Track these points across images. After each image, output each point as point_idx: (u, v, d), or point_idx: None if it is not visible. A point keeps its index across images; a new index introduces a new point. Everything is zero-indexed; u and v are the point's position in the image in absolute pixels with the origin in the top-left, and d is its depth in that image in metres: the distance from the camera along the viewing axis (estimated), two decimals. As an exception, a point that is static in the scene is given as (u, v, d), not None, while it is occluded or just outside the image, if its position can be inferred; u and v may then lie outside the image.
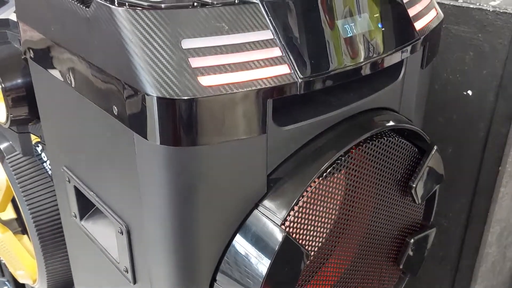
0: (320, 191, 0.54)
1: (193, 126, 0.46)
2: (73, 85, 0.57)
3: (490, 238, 0.96)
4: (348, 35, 0.53)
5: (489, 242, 0.97)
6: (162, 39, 0.45)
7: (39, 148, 0.87)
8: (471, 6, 0.81)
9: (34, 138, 0.86)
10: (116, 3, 0.46)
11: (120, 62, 0.47)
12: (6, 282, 1.22)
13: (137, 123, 0.48)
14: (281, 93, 0.48)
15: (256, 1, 0.48)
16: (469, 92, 0.84)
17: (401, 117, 0.63)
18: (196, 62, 0.45)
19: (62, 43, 0.56)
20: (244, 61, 0.47)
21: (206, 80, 0.45)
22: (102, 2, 0.47)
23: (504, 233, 0.99)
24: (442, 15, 0.68)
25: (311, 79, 0.49)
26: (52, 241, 0.90)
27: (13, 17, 0.78)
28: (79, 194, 0.68)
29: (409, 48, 0.58)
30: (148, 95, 0.45)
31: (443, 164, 0.68)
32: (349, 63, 0.52)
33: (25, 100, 0.77)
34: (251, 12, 0.48)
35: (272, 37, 0.48)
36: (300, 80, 0.48)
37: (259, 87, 0.47)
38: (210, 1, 0.47)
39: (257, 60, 0.47)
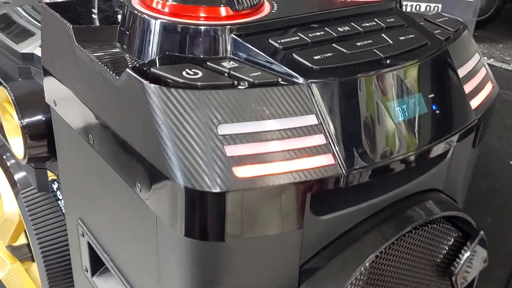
0: (360, 286, 0.49)
1: (222, 221, 0.41)
2: (94, 147, 0.52)
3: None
4: (400, 120, 0.48)
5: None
6: (196, 123, 0.40)
7: (55, 186, 0.83)
8: (524, 68, 0.76)
9: (50, 175, 0.83)
10: (149, 78, 0.42)
11: (148, 141, 0.42)
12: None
13: (162, 208, 0.43)
14: (323, 186, 0.43)
15: (301, 82, 0.44)
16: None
17: (448, 201, 0.58)
18: (232, 150, 0.40)
19: (87, 103, 0.51)
20: (285, 149, 0.42)
21: (241, 171, 0.40)
22: (134, 75, 0.42)
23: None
24: (497, 87, 0.62)
25: (357, 171, 0.44)
26: (60, 279, 0.87)
27: (38, 51, 0.75)
28: (92, 250, 0.64)
29: (464, 130, 0.53)
30: (176, 183, 0.40)
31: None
32: (400, 153, 0.47)
33: (44, 139, 0.73)
34: (295, 94, 0.43)
35: (317, 122, 0.43)
36: (345, 173, 0.43)
37: (299, 179, 0.42)
38: (251, 80, 0.43)
39: (299, 149, 0.42)
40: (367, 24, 0.53)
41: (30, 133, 0.72)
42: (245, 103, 0.42)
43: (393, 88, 0.48)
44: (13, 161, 0.87)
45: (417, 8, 0.87)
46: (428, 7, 0.85)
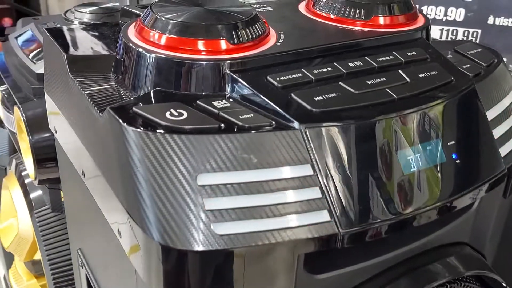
0: None
1: (201, 283, 0.37)
2: (84, 180, 0.50)
3: None
4: (411, 171, 0.42)
5: None
6: (174, 171, 0.37)
7: (67, 207, 0.82)
8: None
9: (63, 196, 0.81)
10: (129, 118, 0.39)
11: (125, 187, 0.39)
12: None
13: (138, 262, 0.40)
14: (316, 246, 0.38)
15: (296, 127, 0.39)
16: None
17: (474, 257, 0.51)
18: (211, 203, 0.36)
19: (79, 136, 0.49)
20: (273, 203, 0.37)
21: (222, 228, 0.36)
22: (113, 115, 0.39)
23: None
24: (534, 129, 0.55)
25: (356, 231, 0.39)
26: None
27: (52, 72, 0.73)
28: (89, 283, 0.61)
29: (491, 181, 0.47)
30: (151, 239, 0.36)
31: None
32: (410, 210, 0.41)
33: (53, 161, 0.72)
34: (288, 140, 0.39)
35: (312, 173, 0.39)
36: (342, 232, 0.38)
37: (289, 238, 0.37)
38: (240, 123, 0.39)
39: (290, 203, 0.38)
40: (383, 59, 0.48)
41: (39, 154, 0.71)
42: (229, 150, 0.37)
43: (405, 134, 0.43)
44: (30, 179, 0.86)
45: (454, 34, 0.80)
46: (466, 33, 0.78)
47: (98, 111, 0.42)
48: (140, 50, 0.44)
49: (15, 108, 0.75)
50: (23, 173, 0.87)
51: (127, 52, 0.46)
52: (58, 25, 0.87)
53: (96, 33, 0.57)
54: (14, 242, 0.88)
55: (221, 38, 0.44)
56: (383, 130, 0.42)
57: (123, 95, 0.45)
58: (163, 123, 0.38)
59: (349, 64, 0.47)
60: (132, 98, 0.43)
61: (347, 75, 0.45)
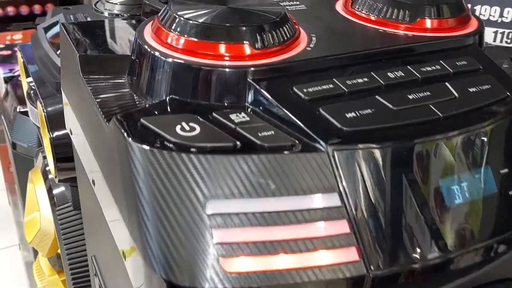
0: None
1: (205, 323, 0.33)
2: (94, 190, 0.46)
3: None
4: (456, 203, 0.36)
5: None
6: (181, 196, 0.32)
7: (89, 206, 0.79)
8: None
9: (85, 194, 0.79)
10: (136, 131, 0.35)
11: (129, 210, 0.35)
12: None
13: (140, 290, 0.36)
14: None
15: (323, 149, 0.34)
16: None
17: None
18: (221, 235, 0.32)
19: (88, 141, 0.45)
20: (294, 237, 0.33)
21: (232, 264, 0.32)
22: (118, 125, 0.35)
23: None
24: None
25: (388, 273, 0.34)
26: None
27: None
28: (103, 293, 0.58)
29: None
30: (153, 272, 0.32)
31: None
32: (453, 249, 0.36)
33: (72, 160, 0.69)
34: (313, 164, 0.34)
35: (339, 204, 0.34)
36: (372, 274, 0.33)
37: (309, 278, 0.33)
38: (259, 142, 0.34)
39: (313, 238, 0.33)
40: (428, 69, 0.42)
41: (59, 153, 0.68)
42: (244, 173, 0.33)
43: (450, 159, 0.37)
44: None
45: (510, 37, 0.72)
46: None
47: (105, 119, 0.38)
48: (155, 53, 0.40)
49: (38, 102, 0.72)
50: (47, 168, 0.86)
51: (141, 54, 0.42)
52: (88, 17, 0.85)
53: (117, 29, 0.53)
54: (36, 237, 0.87)
55: (244, 42, 0.39)
56: (424, 154, 0.36)
57: (135, 103, 0.41)
58: (172, 139, 0.34)
59: (389, 74, 0.41)
60: (142, 107, 0.39)
61: (386, 88, 0.40)
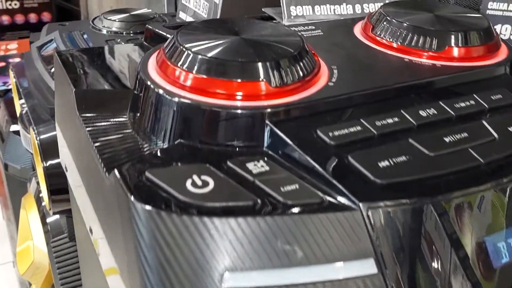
0: None
1: None
2: (92, 238, 0.42)
3: None
4: (503, 262, 0.32)
5: None
6: (192, 266, 0.28)
7: (85, 237, 0.75)
8: None
9: (81, 225, 0.74)
10: (137, 189, 0.30)
11: (130, 275, 0.31)
12: None
13: None
14: None
15: (355, 206, 0.30)
16: None
17: None
18: (241, 312, 0.28)
19: (85, 186, 0.41)
20: (323, 311, 0.28)
21: None
22: (120, 181, 0.31)
23: None
24: None
25: None
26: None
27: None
28: None
29: None
30: None
31: None
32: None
33: (66, 192, 0.65)
34: (345, 225, 0.29)
35: (376, 271, 0.29)
36: None
37: None
38: (281, 199, 0.30)
39: (345, 311, 0.29)
40: (462, 105, 0.38)
41: (53, 184, 0.64)
42: (267, 239, 0.29)
43: (495, 212, 0.33)
44: (48, 204, 0.80)
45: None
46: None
47: (105, 169, 0.34)
48: (159, 91, 0.36)
49: (31, 128, 0.68)
50: (41, 195, 0.81)
51: (145, 91, 0.37)
52: (85, 35, 0.80)
53: (118, 58, 0.49)
54: (29, 270, 0.82)
55: (260, 79, 0.35)
56: (468, 208, 0.32)
57: (138, 147, 0.36)
58: (182, 198, 0.29)
59: (420, 112, 0.37)
60: (147, 155, 0.35)
61: (419, 129, 0.36)
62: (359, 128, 0.35)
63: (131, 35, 0.81)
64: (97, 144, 0.36)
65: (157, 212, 0.29)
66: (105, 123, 0.38)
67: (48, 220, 0.78)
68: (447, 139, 0.35)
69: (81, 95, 0.41)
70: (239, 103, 0.35)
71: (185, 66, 0.36)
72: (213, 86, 0.35)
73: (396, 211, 0.30)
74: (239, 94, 0.35)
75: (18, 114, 0.85)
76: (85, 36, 0.78)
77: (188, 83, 0.35)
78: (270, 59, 0.36)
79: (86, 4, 2.38)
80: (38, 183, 0.81)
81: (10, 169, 1.03)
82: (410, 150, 0.34)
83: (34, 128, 0.65)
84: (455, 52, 0.43)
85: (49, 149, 0.63)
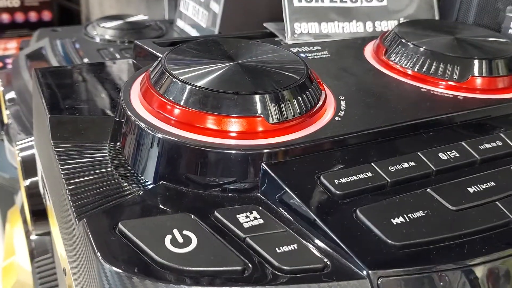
0: None
1: None
2: (65, 280, 0.37)
3: None
4: None
5: None
6: None
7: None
8: None
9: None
10: (107, 246, 0.26)
11: None
12: None
13: None
14: None
15: (364, 273, 0.25)
16: None
17: None
18: None
19: (59, 226, 0.36)
20: None
21: None
22: (89, 235, 0.26)
23: None
24: None
25: None
26: None
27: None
28: None
29: None
30: None
31: None
32: None
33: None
34: (352, 298, 0.25)
35: None
36: None
37: None
38: (276, 263, 0.25)
39: None
40: (488, 146, 0.34)
41: (35, 204, 0.59)
42: (259, 315, 0.24)
43: (528, 280, 0.28)
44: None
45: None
46: None
47: (76, 216, 0.29)
48: (142, 125, 0.31)
49: (14, 143, 0.64)
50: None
51: (126, 123, 0.33)
52: (77, 44, 0.76)
53: (102, 79, 0.44)
54: (14, 287, 0.77)
55: (256, 114, 0.31)
56: (495, 276, 0.27)
57: (116, 189, 0.31)
58: (158, 259, 0.25)
59: (440, 155, 0.32)
60: (123, 200, 0.30)
61: (437, 175, 0.31)
62: (369, 174, 0.30)
63: (125, 44, 0.77)
64: (70, 187, 0.31)
65: (128, 276, 0.24)
66: (81, 160, 0.33)
67: (33, 237, 0.73)
68: (471, 189, 0.30)
69: (57, 123, 0.36)
70: (231, 142, 0.30)
71: (171, 96, 0.31)
72: (202, 121, 0.30)
73: (412, 281, 0.25)
74: (232, 131, 0.30)
75: (4, 123, 0.81)
76: (76, 45, 0.74)
77: (174, 116, 0.31)
78: (269, 91, 0.31)
79: (86, 2, 2.34)
80: (24, 197, 0.77)
81: (-1, 178, 0.98)
82: (429, 203, 0.29)
83: (16, 143, 0.60)
84: (480, 82, 0.38)
85: (32, 166, 0.59)
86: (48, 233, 0.62)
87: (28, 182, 0.58)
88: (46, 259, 0.71)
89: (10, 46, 2.28)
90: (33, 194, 0.58)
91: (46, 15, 2.43)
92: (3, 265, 0.81)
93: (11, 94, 0.72)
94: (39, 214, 0.58)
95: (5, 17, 2.36)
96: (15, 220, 0.78)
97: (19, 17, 2.41)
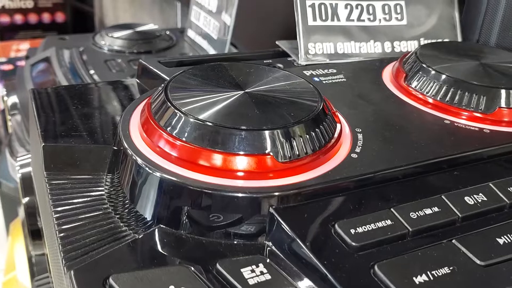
0: None
1: None
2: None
3: None
4: None
5: None
6: None
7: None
8: None
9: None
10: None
11: None
12: None
13: None
14: None
15: None
16: None
17: None
18: None
19: (50, 262, 0.34)
20: None
21: None
22: (75, 290, 0.24)
23: None
24: None
25: None
26: None
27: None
28: None
29: None
30: None
31: None
32: None
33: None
34: None
35: None
36: None
37: None
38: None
39: None
40: (519, 188, 0.31)
41: (34, 224, 0.57)
42: None
43: None
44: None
45: None
46: None
47: (65, 265, 0.26)
48: (139, 161, 0.29)
49: (15, 157, 0.62)
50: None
51: (123, 156, 0.30)
52: (84, 54, 0.73)
53: (104, 98, 0.41)
54: (13, 304, 0.76)
55: (265, 152, 0.28)
56: None
57: (110, 232, 0.28)
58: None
59: (466, 199, 0.29)
60: (117, 246, 0.27)
61: (464, 222, 0.28)
62: (389, 222, 0.27)
63: (134, 53, 0.75)
64: (61, 234, 0.28)
65: None
66: (75, 200, 0.31)
67: (33, 253, 0.71)
68: (501, 240, 0.27)
69: (51, 152, 0.33)
70: (237, 183, 0.27)
71: (172, 130, 0.29)
72: (205, 158, 0.28)
73: None
74: (238, 171, 0.28)
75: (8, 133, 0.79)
76: (84, 56, 0.71)
77: (175, 152, 0.28)
78: (279, 126, 0.28)
79: (100, 5, 2.33)
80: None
81: (3, 186, 0.97)
82: (455, 257, 0.26)
83: (16, 159, 0.58)
84: (508, 114, 0.35)
85: (32, 184, 0.57)
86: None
87: (27, 199, 0.56)
88: (45, 278, 0.69)
89: (22, 48, 2.27)
90: (32, 213, 0.56)
91: (60, 17, 2.43)
92: (4, 280, 0.80)
93: (15, 105, 0.70)
94: (37, 234, 0.56)
95: (19, 18, 2.36)
96: (17, 234, 0.76)
97: (33, 18, 2.41)
